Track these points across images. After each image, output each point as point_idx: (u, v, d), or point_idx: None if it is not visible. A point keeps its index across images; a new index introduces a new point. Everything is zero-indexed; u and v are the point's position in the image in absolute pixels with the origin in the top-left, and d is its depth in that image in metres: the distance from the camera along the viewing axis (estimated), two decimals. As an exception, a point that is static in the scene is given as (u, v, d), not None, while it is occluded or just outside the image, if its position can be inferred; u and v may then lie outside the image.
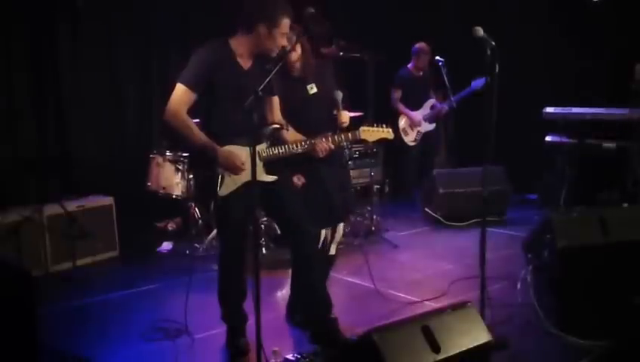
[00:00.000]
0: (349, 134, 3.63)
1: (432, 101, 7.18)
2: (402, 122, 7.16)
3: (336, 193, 3.79)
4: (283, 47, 3.44)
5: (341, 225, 3.99)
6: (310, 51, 3.78)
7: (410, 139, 7.23)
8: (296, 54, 3.69)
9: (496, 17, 7.18)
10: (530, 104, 6.88)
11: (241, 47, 3.45)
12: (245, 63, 3.47)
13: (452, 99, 6.85)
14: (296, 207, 3.59)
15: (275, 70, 3.19)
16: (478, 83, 6.67)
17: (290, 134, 3.61)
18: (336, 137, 3.59)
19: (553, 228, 3.79)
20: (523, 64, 6.92)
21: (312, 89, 3.76)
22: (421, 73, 7.17)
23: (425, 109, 7.19)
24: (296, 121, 3.66)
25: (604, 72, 6.90)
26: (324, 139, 3.54)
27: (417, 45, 7.10)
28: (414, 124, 7.17)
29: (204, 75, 3.38)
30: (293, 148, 3.51)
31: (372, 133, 3.68)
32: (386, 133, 3.71)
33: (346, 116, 3.77)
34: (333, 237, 3.93)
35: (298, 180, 3.71)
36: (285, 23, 3.39)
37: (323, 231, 3.85)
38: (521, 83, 6.78)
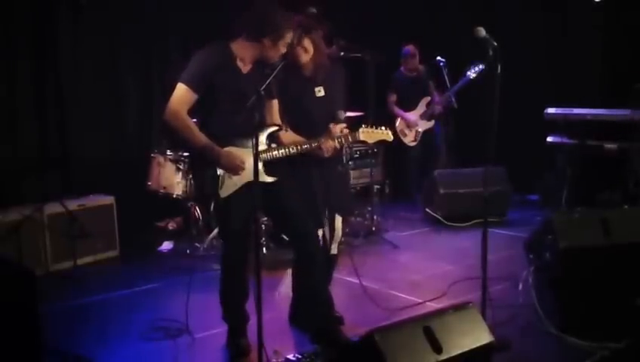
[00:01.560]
0: (349, 135, 3.64)
1: (427, 99, 7.18)
2: (399, 125, 7.17)
3: (322, 195, 3.78)
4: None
5: (339, 224, 3.98)
6: (325, 53, 3.76)
7: (409, 140, 7.23)
8: (306, 56, 3.67)
9: (497, 17, 7.18)
10: (531, 104, 6.87)
11: (242, 52, 3.46)
12: (245, 67, 3.49)
13: (452, 98, 6.84)
14: (297, 208, 3.59)
15: (275, 74, 3.24)
16: (471, 72, 6.61)
17: (288, 135, 3.61)
18: (337, 138, 3.59)
19: (555, 228, 3.78)
20: (524, 64, 6.91)
21: (320, 92, 3.75)
22: (415, 74, 7.19)
23: (421, 108, 7.20)
24: (298, 121, 3.66)
25: (605, 72, 6.90)
26: (330, 139, 3.54)
27: (404, 48, 7.13)
28: (411, 125, 7.18)
29: (205, 76, 3.38)
30: (292, 149, 3.52)
31: (371, 135, 3.70)
32: (385, 134, 3.73)
33: (338, 130, 3.75)
34: (332, 236, 3.93)
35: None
36: (289, 35, 3.44)
37: (320, 231, 3.85)
38: (522, 83, 6.77)
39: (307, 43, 3.64)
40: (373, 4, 7.61)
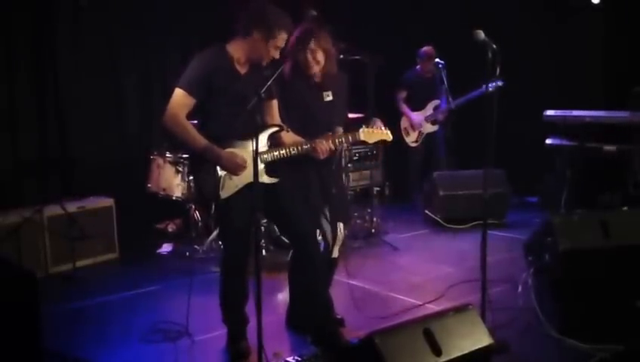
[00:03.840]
0: (349, 136, 3.64)
1: (435, 102, 7.17)
2: (403, 122, 7.19)
3: (320, 195, 3.79)
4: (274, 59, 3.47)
5: (342, 228, 3.99)
6: (335, 60, 3.78)
7: (411, 139, 7.23)
8: (317, 67, 3.68)
9: (496, 20, 7.17)
10: (530, 106, 6.87)
11: (237, 53, 3.47)
12: (242, 69, 3.49)
13: (450, 100, 6.84)
14: (298, 209, 3.60)
15: (276, 75, 3.25)
16: (489, 87, 6.55)
17: (289, 136, 3.62)
18: (336, 138, 3.59)
19: (554, 230, 3.79)
20: (523, 67, 6.92)
21: (328, 97, 3.78)
22: (430, 75, 7.17)
23: (427, 110, 7.19)
24: (303, 124, 3.67)
25: (604, 75, 6.91)
26: (324, 140, 3.55)
27: (423, 49, 7.10)
28: (415, 125, 7.18)
29: (203, 80, 3.39)
30: (293, 150, 3.52)
31: (372, 135, 3.70)
32: (385, 134, 3.74)
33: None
34: (335, 239, 3.93)
35: None
36: (282, 37, 3.43)
37: (318, 232, 3.85)
38: (521, 85, 6.78)
39: (319, 55, 3.65)
40: (373, 6, 7.62)
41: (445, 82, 6.79)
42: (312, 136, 3.59)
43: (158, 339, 3.88)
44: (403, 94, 7.22)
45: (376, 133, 3.70)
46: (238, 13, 3.46)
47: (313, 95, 3.74)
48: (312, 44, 3.61)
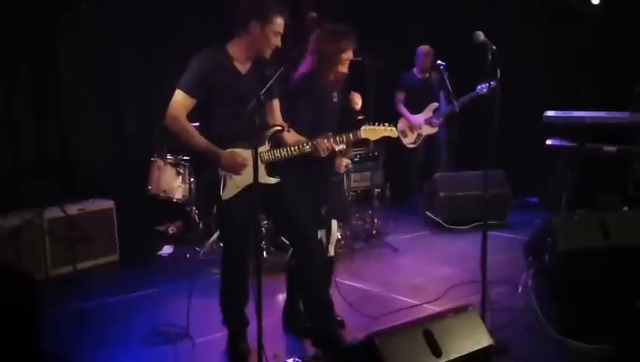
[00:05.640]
0: (350, 134, 3.60)
1: (435, 105, 7.17)
2: (401, 124, 7.19)
3: (318, 197, 3.78)
4: (278, 48, 3.46)
5: (335, 227, 3.99)
6: None
7: (409, 141, 7.23)
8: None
9: (496, 21, 7.18)
10: (530, 107, 6.87)
11: (237, 52, 3.47)
12: (243, 67, 3.49)
13: (454, 103, 6.83)
14: (298, 208, 3.60)
15: (277, 75, 3.24)
16: (483, 87, 6.61)
17: (291, 136, 3.61)
18: (337, 137, 3.56)
19: (554, 231, 3.79)
20: (523, 68, 6.92)
21: (335, 97, 3.80)
22: (427, 75, 7.17)
23: (427, 113, 7.19)
24: (316, 125, 3.65)
25: (604, 75, 6.90)
26: (325, 139, 3.53)
27: (419, 48, 7.12)
28: (413, 127, 7.18)
29: (203, 81, 3.39)
30: (294, 150, 3.51)
31: (374, 132, 3.64)
32: (389, 130, 3.67)
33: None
34: (328, 238, 3.93)
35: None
36: (279, 22, 3.41)
37: (320, 233, 3.86)
38: (521, 86, 6.77)
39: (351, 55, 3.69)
40: (373, 7, 7.62)
41: (448, 83, 6.78)
42: (316, 136, 3.58)
43: (158, 341, 3.87)
44: (401, 96, 7.24)
45: (379, 129, 3.64)
46: (234, 13, 3.46)
47: (328, 95, 3.76)
48: (348, 45, 3.64)
